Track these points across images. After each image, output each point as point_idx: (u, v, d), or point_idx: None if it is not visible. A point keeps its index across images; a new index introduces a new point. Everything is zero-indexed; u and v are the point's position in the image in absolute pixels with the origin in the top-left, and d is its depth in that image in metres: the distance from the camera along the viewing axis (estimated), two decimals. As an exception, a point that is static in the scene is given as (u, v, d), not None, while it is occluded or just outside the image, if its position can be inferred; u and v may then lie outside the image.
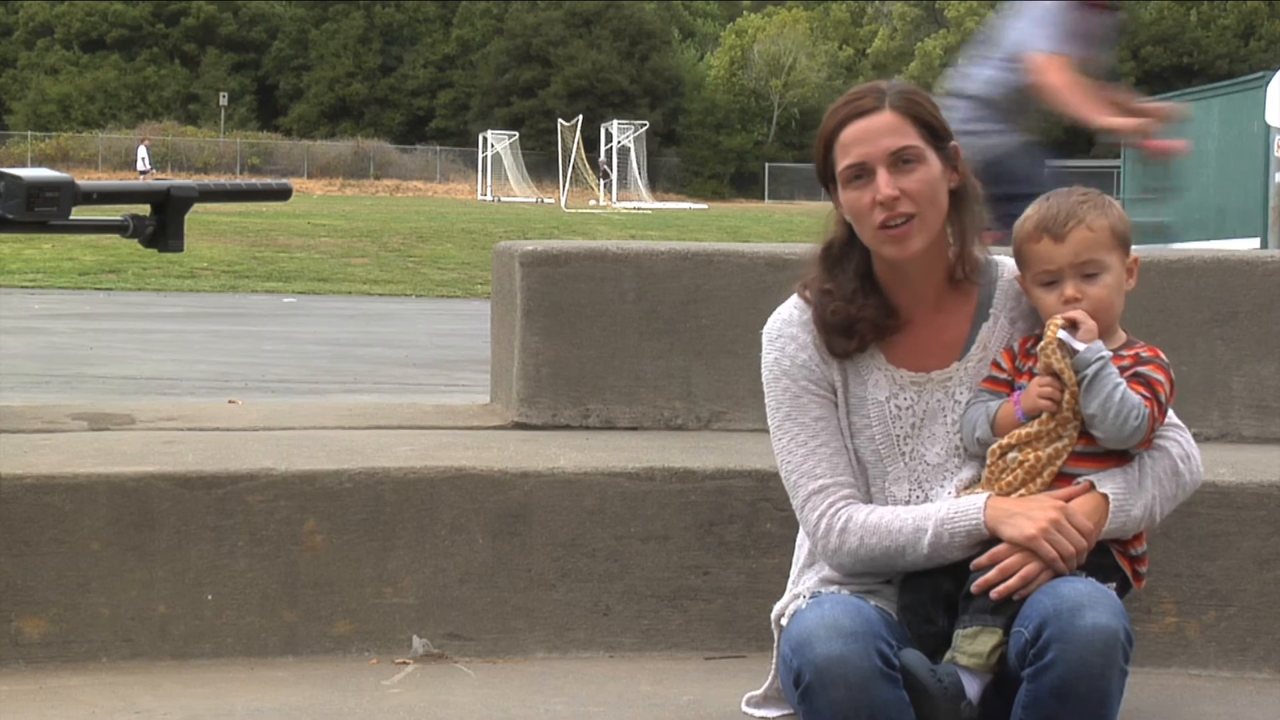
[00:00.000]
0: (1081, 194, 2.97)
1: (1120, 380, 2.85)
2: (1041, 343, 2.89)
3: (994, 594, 2.79)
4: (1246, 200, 23.01)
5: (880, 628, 2.79)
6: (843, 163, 2.93)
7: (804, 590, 3.02)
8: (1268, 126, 20.01)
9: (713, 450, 3.87)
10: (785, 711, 3.06)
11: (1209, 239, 22.82)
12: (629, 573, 3.67)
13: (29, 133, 69.37)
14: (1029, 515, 2.83)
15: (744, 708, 3.13)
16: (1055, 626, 2.70)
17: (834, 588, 2.97)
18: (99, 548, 3.54)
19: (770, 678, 3.10)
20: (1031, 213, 2.97)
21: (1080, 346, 2.84)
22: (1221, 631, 3.62)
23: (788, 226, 39.65)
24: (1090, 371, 2.84)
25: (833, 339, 2.99)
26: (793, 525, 3.19)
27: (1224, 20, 73.81)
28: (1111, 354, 2.88)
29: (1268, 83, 20.40)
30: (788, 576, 3.17)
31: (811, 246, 3.10)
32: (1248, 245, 20.16)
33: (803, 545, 3.11)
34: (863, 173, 2.91)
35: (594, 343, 4.21)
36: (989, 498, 2.87)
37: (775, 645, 3.06)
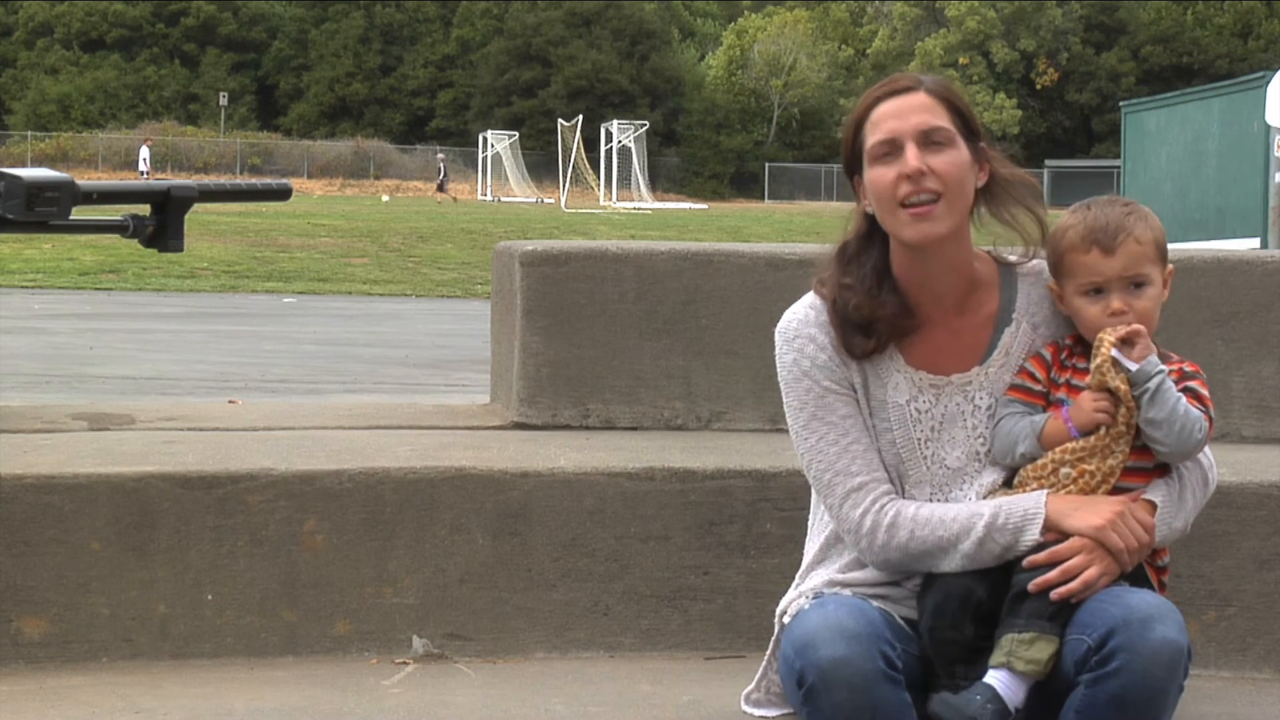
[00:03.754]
0: (1124, 204, 2.93)
1: (1180, 394, 2.83)
2: (1096, 361, 2.84)
3: (1054, 595, 2.77)
4: (1246, 200, 23.02)
5: (884, 630, 2.78)
6: (872, 139, 2.90)
7: (808, 589, 3.00)
8: (1268, 126, 20.01)
9: (713, 450, 3.86)
10: (785, 711, 3.06)
11: (1209, 239, 22.83)
12: (629, 573, 3.67)
13: (29, 133, 69.39)
14: (1093, 508, 2.82)
15: (743, 706, 3.12)
16: (1124, 636, 2.68)
17: (838, 589, 2.96)
18: (99, 548, 3.54)
19: (761, 671, 3.09)
20: (1074, 222, 2.92)
21: (1132, 366, 2.82)
22: (1221, 631, 3.62)
23: (788, 226, 39.67)
24: (1152, 385, 2.81)
25: (851, 338, 2.95)
26: (792, 525, 3.20)
27: (1220, 19, 73.85)
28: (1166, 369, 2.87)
29: (1268, 83, 20.39)
30: (788, 576, 3.16)
31: (827, 246, 3.07)
32: (1248, 245, 20.15)
33: (813, 542, 3.09)
34: (892, 149, 2.88)
35: (594, 343, 4.21)
36: (1048, 493, 2.86)
37: (774, 640, 3.05)
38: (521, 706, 3.30)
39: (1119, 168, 29.00)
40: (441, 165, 60.58)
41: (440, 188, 57.96)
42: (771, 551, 3.64)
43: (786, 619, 2.97)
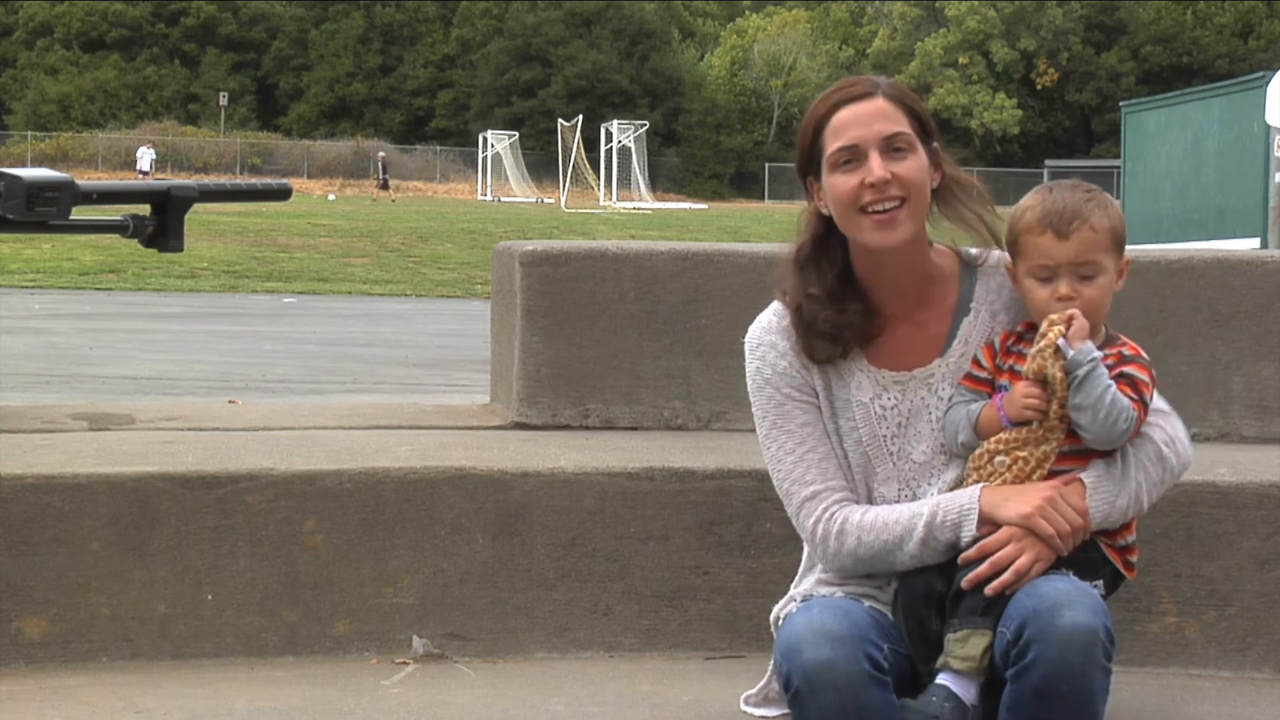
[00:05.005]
0: (1086, 191, 2.94)
1: (1110, 382, 2.84)
2: (1039, 345, 2.87)
3: (989, 590, 2.79)
4: (1246, 200, 23.00)
5: (870, 631, 2.79)
6: (833, 146, 2.92)
7: (798, 593, 3.02)
8: (1268, 126, 20.00)
9: (713, 450, 3.86)
10: (784, 711, 3.06)
11: (1209, 239, 22.83)
12: (629, 573, 3.67)
13: (29, 133, 69.38)
14: (1023, 497, 2.84)
15: (743, 706, 3.13)
16: (1035, 626, 2.70)
17: (829, 590, 2.97)
18: (99, 548, 3.54)
19: (767, 677, 3.10)
20: (1033, 203, 2.94)
21: (1070, 353, 2.84)
22: (1221, 631, 3.61)
23: (788, 226, 39.23)
24: (1081, 373, 2.82)
25: (816, 345, 2.98)
26: (792, 525, 3.19)
27: (1221, 19, 73.84)
28: (1101, 355, 2.87)
29: (1268, 83, 20.39)
30: (788, 576, 3.17)
31: (785, 248, 3.09)
32: (1248, 245, 20.15)
33: (806, 548, 3.11)
34: (854, 156, 2.90)
35: (594, 343, 4.21)
36: (983, 487, 2.88)
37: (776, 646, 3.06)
38: (521, 706, 3.30)
39: (1119, 168, 28.99)
40: (382, 163, 60.86)
41: (382, 186, 58.00)
42: (771, 551, 3.64)
43: (781, 624, 2.98)
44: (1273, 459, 3.85)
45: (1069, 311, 2.86)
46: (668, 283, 4.21)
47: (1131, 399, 2.85)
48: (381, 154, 63.09)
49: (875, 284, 2.98)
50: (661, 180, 66.83)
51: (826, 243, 3.00)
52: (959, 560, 2.85)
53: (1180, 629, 3.61)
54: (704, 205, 59.44)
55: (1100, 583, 2.88)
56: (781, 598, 3.11)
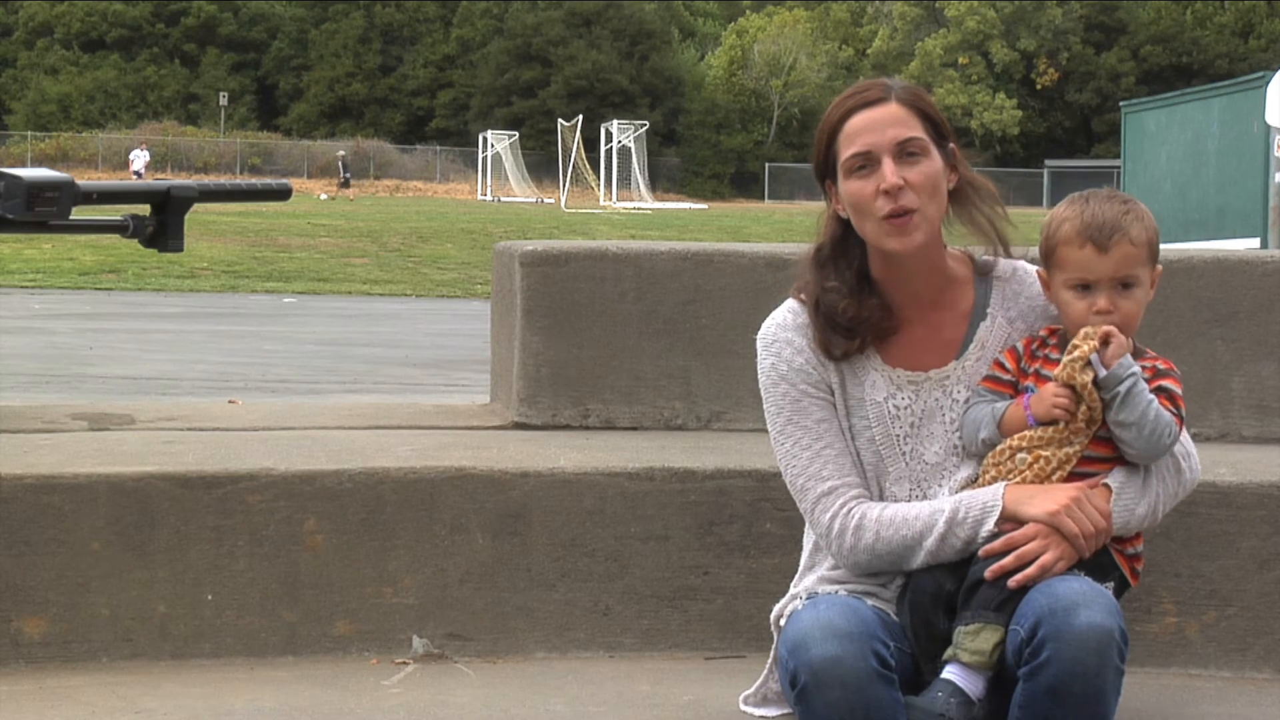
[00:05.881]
0: (1123, 202, 2.93)
1: (1151, 397, 2.85)
2: (1072, 355, 2.86)
3: (1012, 582, 2.79)
4: (1246, 200, 23.00)
5: (877, 628, 2.80)
6: (847, 152, 2.93)
7: (802, 591, 3.02)
8: (1268, 126, 20.00)
9: (713, 450, 3.86)
10: (784, 711, 3.06)
11: (1209, 239, 22.82)
12: (629, 573, 3.67)
13: (29, 133, 69.37)
14: (1050, 495, 2.85)
15: (742, 706, 3.13)
16: (1050, 625, 2.70)
17: (832, 588, 2.98)
18: (99, 548, 3.54)
19: (763, 676, 3.11)
20: (1071, 215, 2.93)
21: (1102, 371, 2.84)
22: (1221, 631, 3.61)
23: (788, 226, 39.65)
24: (1123, 389, 2.83)
25: (833, 340, 2.98)
26: (792, 525, 3.20)
27: (1221, 19, 73.84)
28: (1139, 369, 2.88)
29: (1268, 83, 20.38)
30: (788, 576, 3.17)
31: (806, 247, 3.10)
32: (1248, 245, 20.14)
33: (805, 547, 3.11)
34: (867, 162, 2.91)
35: (594, 343, 4.21)
36: (1006, 485, 2.88)
37: (774, 645, 3.06)
38: (521, 706, 3.30)
39: (1119, 168, 28.99)
40: (343, 162, 61.00)
41: (344, 184, 58.00)
42: (771, 551, 3.64)
43: (783, 621, 2.99)
44: (1273, 459, 3.85)
45: (1105, 329, 2.86)
46: (668, 283, 4.21)
47: (1172, 413, 2.87)
48: (341, 152, 63.18)
49: (892, 285, 2.99)
50: (661, 180, 66.83)
51: (845, 244, 3.01)
52: (980, 553, 2.85)
53: (1180, 629, 3.61)
54: (704, 205, 59.43)
55: (1110, 586, 2.88)
56: (781, 598, 3.11)
